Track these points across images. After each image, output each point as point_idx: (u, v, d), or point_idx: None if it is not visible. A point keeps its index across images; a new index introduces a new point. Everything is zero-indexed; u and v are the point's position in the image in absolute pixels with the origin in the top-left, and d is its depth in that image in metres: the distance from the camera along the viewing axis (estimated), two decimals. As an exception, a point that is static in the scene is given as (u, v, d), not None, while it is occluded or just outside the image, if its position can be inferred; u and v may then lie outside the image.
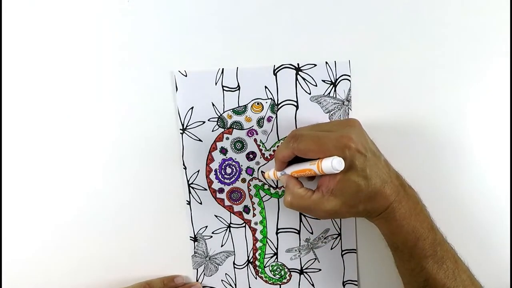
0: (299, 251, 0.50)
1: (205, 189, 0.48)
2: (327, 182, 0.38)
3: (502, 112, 0.48)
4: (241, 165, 0.48)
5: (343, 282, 0.51)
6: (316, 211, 0.39)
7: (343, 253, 0.50)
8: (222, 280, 0.51)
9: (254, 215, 0.49)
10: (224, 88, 0.46)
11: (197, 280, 0.50)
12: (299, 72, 0.46)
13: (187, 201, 0.48)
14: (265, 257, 0.50)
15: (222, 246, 0.50)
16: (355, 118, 0.42)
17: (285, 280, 0.51)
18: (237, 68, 0.46)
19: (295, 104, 0.47)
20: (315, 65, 0.46)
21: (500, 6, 0.46)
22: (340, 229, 0.50)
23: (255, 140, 0.47)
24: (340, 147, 0.36)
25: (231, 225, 0.49)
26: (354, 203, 0.38)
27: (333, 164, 0.35)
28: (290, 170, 0.42)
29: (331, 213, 0.39)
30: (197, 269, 0.50)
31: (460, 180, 0.49)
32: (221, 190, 0.48)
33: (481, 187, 0.49)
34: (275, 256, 0.50)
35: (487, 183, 0.49)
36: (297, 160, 0.41)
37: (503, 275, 0.52)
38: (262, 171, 0.48)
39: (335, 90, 0.46)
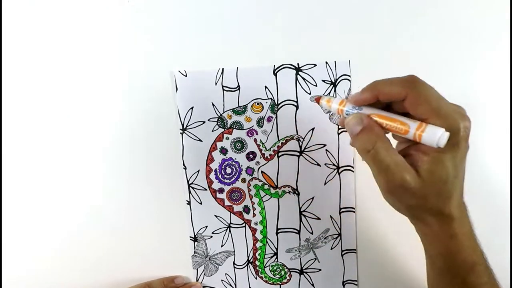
0: (299, 251, 0.50)
1: (205, 189, 0.48)
2: (414, 153, 0.31)
3: (503, 112, 0.48)
4: (241, 165, 0.48)
5: (343, 282, 0.51)
6: (391, 176, 0.31)
7: (343, 253, 0.50)
8: (222, 280, 0.51)
9: (254, 215, 0.49)
10: (224, 88, 0.46)
11: (197, 280, 0.50)
12: (299, 72, 0.46)
13: (187, 201, 0.48)
14: (265, 257, 0.50)
15: (222, 246, 0.50)
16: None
17: (285, 280, 0.51)
18: (237, 68, 0.46)
19: (295, 104, 0.47)
20: (315, 65, 0.46)
21: (501, 6, 0.46)
22: (340, 229, 0.50)
23: (255, 140, 0.47)
24: (460, 122, 0.30)
25: (231, 225, 0.49)
26: (430, 193, 0.31)
27: (441, 139, 0.28)
28: (370, 111, 0.32)
29: (403, 190, 0.31)
30: (197, 269, 0.50)
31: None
32: (221, 190, 0.48)
33: (481, 187, 0.49)
34: (275, 256, 0.50)
35: (487, 182, 0.49)
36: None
37: (503, 275, 0.52)
38: (315, 97, 0.37)
39: (335, 90, 0.46)
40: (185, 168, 0.47)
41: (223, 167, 0.48)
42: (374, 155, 0.31)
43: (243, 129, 0.47)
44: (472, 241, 0.34)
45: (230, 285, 0.51)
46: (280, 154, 0.48)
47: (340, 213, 0.49)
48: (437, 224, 0.33)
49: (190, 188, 0.48)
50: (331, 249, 0.50)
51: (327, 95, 0.37)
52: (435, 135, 0.28)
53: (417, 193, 0.31)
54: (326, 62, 0.46)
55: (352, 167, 0.48)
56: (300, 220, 0.49)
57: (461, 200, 0.34)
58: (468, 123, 0.31)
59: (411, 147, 0.32)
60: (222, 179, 0.48)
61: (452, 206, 0.32)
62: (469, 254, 0.34)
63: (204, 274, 0.50)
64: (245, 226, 0.49)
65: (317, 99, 0.36)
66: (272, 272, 0.51)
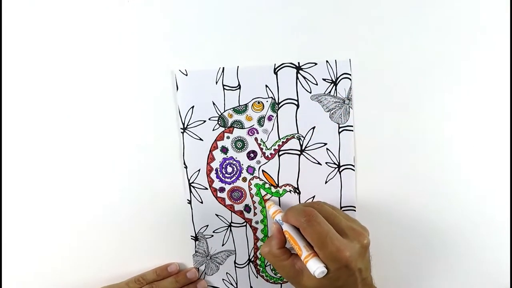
0: (300, 250, 0.50)
1: (206, 188, 0.48)
2: (303, 263, 0.40)
3: (503, 111, 0.48)
4: (242, 164, 0.48)
5: (344, 281, 0.51)
6: (281, 272, 0.42)
7: (344, 252, 0.50)
8: (223, 279, 0.51)
9: (255, 214, 0.49)
10: (225, 87, 0.46)
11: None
12: (300, 71, 0.46)
13: (188, 200, 0.48)
14: (266, 256, 0.50)
15: (223, 245, 0.50)
16: (367, 238, 0.41)
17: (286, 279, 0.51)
18: (238, 67, 0.46)
19: (296, 103, 0.47)
20: (316, 63, 0.46)
21: (501, 6, 0.46)
22: (341, 228, 0.50)
23: (255, 139, 0.47)
24: (336, 257, 0.37)
25: (232, 224, 0.49)
26: None
27: (316, 272, 0.37)
28: (286, 227, 0.42)
29: (292, 282, 0.42)
30: (198, 268, 0.50)
31: (460, 178, 0.49)
32: (222, 189, 0.48)
33: (481, 187, 0.49)
34: (276, 255, 0.50)
35: (487, 182, 0.49)
36: None
37: (503, 275, 0.52)
38: (265, 198, 0.48)
39: (335, 89, 0.46)
40: (185, 167, 0.47)
41: (223, 166, 0.48)
42: (265, 255, 0.42)
43: (244, 128, 0.47)
44: None
45: (231, 284, 0.51)
46: (280, 153, 0.48)
47: (341, 212, 0.49)
48: None
49: (191, 187, 0.48)
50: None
51: (271, 202, 0.48)
52: (313, 267, 0.37)
53: (301, 286, 0.40)
54: (327, 61, 0.46)
55: (353, 166, 0.48)
56: (301, 219, 0.49)
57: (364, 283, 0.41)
58: (347, 255, 0.37)
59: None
60: (223, 178, 0.48)
61: None
62: None
63: (205, 273, 0.50)
64: (246, 225, 0.49)
65: (265, 201, 0.48)
66: (273, 271, 0.51)
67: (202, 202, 0.48)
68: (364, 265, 0.40)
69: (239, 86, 0.46)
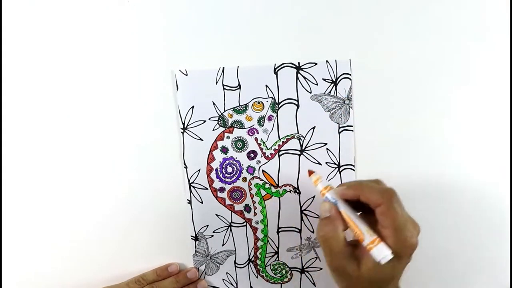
0: (300, 250, 0.50)
1: (206, 188, 0.48)
2: (364, 250, 0.37)
3: (503, 111, 0.48)
4: (242, 164, 0.48)
5: (344, 281, 0.51)
6: (334, 260, 0.38)
7: (344, 252, 0.50)
8: (223, 279, 0.51)
9: (255, 214, 0.49)
10: (225, 87, 0.46)
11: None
12: (300, 71, 0.46)
13: (188, 200, 0.48)
14: (266, 256, 0.50)
15: (223, 245, 0.50)
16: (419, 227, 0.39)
17: (286, 279, 0.51)
18: (238, 67, 0.46)
19: (296, 103, 0.47)
20: (316, 63, 0.46)
21: (501, 6, 0.46)
22: (341, 228, 0.50)
23: (255, 139, 0.47)
24: (409, 244, 0.36)
25: (232, 224, 0.49)
26: (363, 285, 0.37)
27: (383, 259, 0.35)
28: (343, 208, 0.38)
29: (340, 272, 0.38)
30: (198, 268, 0.50)
31: (460, 178, 0.49)
32: (222, 189, 0.48)
33: (482, 187, 0.49)
34: (276, 255, 0.50)
35: (487, 182, 0.49)
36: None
37: (503, 275, 0.52)
38: (309, 170, 0.42)
39: (335, 89, 0.46)
40: (186, 167, 0.47)
41: (224, 166, 0.48)
42: (326, 241, 0.38)
43: (244, 128, 0.47)
44: None
45: (232, 284, 0.51)
46: (281, 153, 0.48)
47: (341, 212, 0.49)
48: None
49: (191, 187, 0.48)
50: (332, 248, 0.50)
51: (318, 176, 0.42)
52: (380, 254, 0.35)
53: (352, 280, 0.37)
54: (327, 61, 0.46)
55: (353, 166, 0.48)
56: (301, 219, 0.49)
57: None
58: (415, 243, 0.36)
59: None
60: (223, 178, 0.48)
61: None
62: None
63: (205, 273, 0.50)
64: (246, 225, 0.49)
65: (310, 172, 0.42)
66: (273, 271, 0.51)
67: (202, 202, 0.48)
68: None
69: (239, 86, 0.46)
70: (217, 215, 0.49)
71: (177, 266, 0.49)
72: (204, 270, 0.50)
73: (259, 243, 0.50)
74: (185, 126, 0.46)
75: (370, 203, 0.37)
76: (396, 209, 0.36)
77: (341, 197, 0.39)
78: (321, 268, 0.51)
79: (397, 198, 0.37)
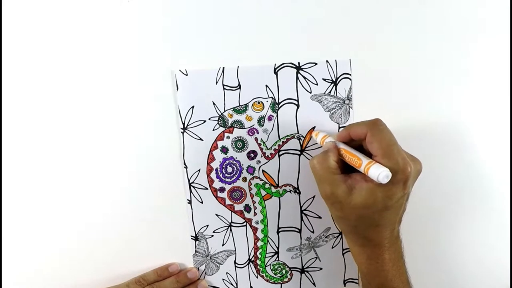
0: (300, 250, 0.50)
1: (206, 188, 0.48)
2: (358, 179, 0.38)
3: (503, 111, 0.48)
4: (242, 164, 0.48)
5: (344, 281, 0.51)
6: (325, 187, 0.39)
7: (344, 252, 0.51)
8: (223, 279, 0.51)
9: (255, 214, 0.49)
10: (225, 87, 0.46)
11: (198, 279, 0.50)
12: (300, 71, 0.46)
13: (188, 200, 0.48)
14: (266, 256, 0.50)
15: (223, 245, 0.50)
16: (421, 164, 0.40)
17: (286, 279, 0.51)
18: (238, 67, 0.46)
19: (296, 103, 0.47)
20: (316, 63, 0.46)
21: (501, 6, 0.46)
22: (341, 228, 0.50)
23: (256, 139, 0.47)
24: (400, 167, 0.36)
25: (232, 224, 0.49)
26: (356, 213, 0.38)
27: (381, 175, 0.35)
28: (342, 145, 0.41)
29: (332, 200, 0.39)
30: (198, 268, 0.50)
31: (460, 178, 0.49)
32: (222, 189, 0.48)
33: (482, 187, 0.49)
34: (276, 255, 0.50)
35: (488, 183, 0.49)
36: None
37: (503, 275, 0.52)
38: (309, 130, 0.47)
39: (335, 89, 0.46)
40: (185, 167, 0.47)
41: (224, 166, 0.48)
42: (315, 167, 0.40)
43: (244, 128, 0.47)
44: (399, 269, 0.41)
45: (232, 284, 0.51)
46: (281, 153, 0.48)
47: (341, 212, 0.49)
48: (366, 247, 0.41)
49: (191, 187, 0.48)
50: (332, 248, 0.50)
51: (318, 130, 0.47)
52: (376, 172, 0.35)
53: (344, 207, 0.38)
54: (327, 61, 0.46)
55: (353, 165, 0.48)
56: (301, 219, 0.49)
57: (394, 233, 0.40)
58: (408, 169, 0.36)
59: (358, 173, 0.39)
60: (223, 178, 0.48)
61: (380, 235, 0.39)
62: (391, 280, 0.41)
63: (205, 273, 0.50)
64: (246, 225, 0.49)
65: (311, 131, 0.47)
66: (273, 271, 0.51)
67: (202, 202, 0.48)
68: (410, 192, 0.40)
69: (239, 86, 0.46)
70: (217, 215, 0.49)
71: (177, 266, 0.49)
72: (204, 270, 0.50)
73: (259, 243, 0.50)
74: (185, 126, 0.46)
75: (359, 136, 0.40)
76: (381, 134, 0.38)
77: (337, 139, 0.42)
78: (321, 268, 0.51)
79: (381, 124, 0.39)
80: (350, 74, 0.46)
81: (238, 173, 0.48)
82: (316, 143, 0.47)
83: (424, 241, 0.50)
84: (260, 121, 0.47)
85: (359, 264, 0.43)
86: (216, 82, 0.46)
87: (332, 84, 0.46)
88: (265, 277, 0.51)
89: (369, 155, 0.39)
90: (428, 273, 0.48)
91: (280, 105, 0.47)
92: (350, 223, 0.40)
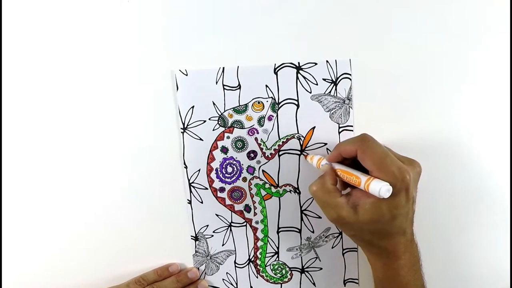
0: (300, 250, 0.50)
1: (206, 188, 0.48)
2: (360, 195, 0.38)
3: (503, 111, 0.48)
4: (242, 164, 0.48)
5: (344, 281, 0.51)
6: (329, 211, 0.39)
7: (344, 251, 0.51)
8: (223, 279, 0.51)
9: (255, 214, 0.49)
10: (225, 87, 0.46)
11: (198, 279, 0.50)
12: (300, 71, 0.46)
13: (188, 200, 0.48)
14: (266, 256, 0.50)
15: (223, 245, 0.50)
16: (420, 166, 0.41)
17: (286, 279, 0.51)
18: (238, 67, 0.46)
19: (296, 103, 0.47)
20: (316, 63, 0.46)
21: (502, 6, 0.46)
22: (341, 227, 0.50)
23: (255, 139, 0.47)
24: (398, 177, 0.36)
25: (232, 224, 0.49)
26: (366, 228, 0.39)
27: (382, 190, 0.35)
28: (337, 166, 0.41)
29: (341, 222, 0.39)
30: (198, 268, 0.50)
31: (460, 178, 0.49)
32: (222, 189, 0.48)
33: (482, 187, 0.49)
34: (276, 255, 0.50)
35: (488, 183, 0.49)
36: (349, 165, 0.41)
37: (503, 275, 0.52)
38: (304, 153, 0.47)
39: (335, 89, 0.46)
40: (186, 167, 0.47)
41: (224, 166, 0.48)
42: (315, 193, 0.40)
43: (244, 128, 0.47)
44: (414, 273, 0.41)
45: (232, 284, 0.51)
46: (281, 153, 0.48)
47: (341, 211, 0.49)
48: (382, 255, 0.41)
49: (191, 187, 0.48)
50: (332, 248, 0.50)
51: (312, 154, 0.47)
52: (377, 187, 0.35)
53: (354, 226, 0.39)
54: (327, 61, 0.46)
55: (353, 165, 0.48)
56: (301, 219, 0.49)
57: (407, 238, 0.41)
58: (407, 178, 0.37)
59: (359, 190, 0.39)
60: (223, 178, 0.48)
61: (393, 243, 0.40)
62: (407, 285, 0.41)
63: (205, 273, 0.50)
64: (246, 225, 0.49)
65: (305, 156, 0.47)
66: (273, 271, 0.51)
67: (202, 202, 0.48)
68: (415, 195, 0.40)
69: (239, 86, 0.46)
70: (217, 215, 0.49)
71: (177, 266, 0.49)
72: (204, 270, 0.50)
73: (259, 243, 0.50)
74: (185, 126, 0.46)
75: (349, 154, 0.40)
76: (370, 149, 0.38)
77: (331, 161, 0.42)
78: (321, 268, 0.51)
79: (370, 139, 0.39)
80: (350, 74, 0.46)
81: (238, 173, 0.48)
82: (316, 143, 0.47)
83: (424, 241, 0.50)
84: (260, 121, 0.47)
85: (374, 271, 0.43)
86: (216, 82, 0.46)
87: (332, 84, 0.46)
88: (265, 277, 0.51)
89: (365, 170, 0.39)
90: (428, 273, 0.48)
91: (280, 105, 0.47)
92: (364, 238, 0.41)
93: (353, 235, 0.41)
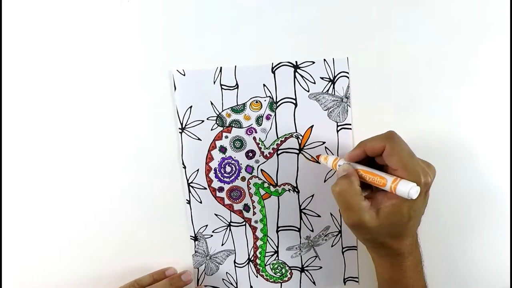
0: (300, 249, 0.50)
1: (205, 188, 0.48)
2: (380, 198, 0.38)
3: (503, 111, 0.48)
4: (241, 164, 0.48)
5: (344, 279, 0.51)
6: (351, 215, 0.38)
7: (343, 250, 0.50)
8: (223, 279, 0.51)
9: (254, 213, 0.49)
10: (223, 86, 0.46)
11: (197, 279, 0.50)
12: (297, 70, 0.46)
13: (187, 200, 0.48)
14: (266, 255, 0.50)
15: (222, 245, 0.50)
16: (434, 168, 0.40)
17: (286, 278, 0.51)
18: (235, 66, 0.46)
19: (294, 101, 0.47)
20: (313, 62, 0.46)
21: (502, 6, 0.46)
22: (340, 226, 0.50)
23: (254, 138, 0.47)
24: (422, 178, 0.36)
25: (231, 223, 0.49)
26: (382, 232, 0.38)
27: (411, 191, 0.34)
28: (358, 166, 0.40)
29: (360, 226, 0.38)
30: (197, 268, 0.50)
31: (460, 177, 0.49)
32: (220, 189, 0.48)
33: (482, 187, 0.49)
34: (276, 254, 0.50)
35: (488, 182, 0.49)
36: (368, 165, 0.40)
37: (503, 275, 0.52)
38: (316, 156, 0.47)
39: (333, 87, 0.46)
40: (184, 167, 0.47)
41: (222, 166, 0.48)
42: (341, 194, 0.38)
43: (242, 128, 0.47)
44: (418, 274, 0.42)
45: (231, 284, 0.51)
46: (279, 152, 0.48)
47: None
48: (389, 256, 0.41)
49: (190, 187, 0.48)
50: (332, 246, 0.50)
51: (325, 155, 0.46)
52: (406, 187, 0.35)
53: (372, 230, 0.38)
54: (324, 60, 0.46)
55: (352, 164, 0.48)
56: (300, 218, 0.49)
57: (414, 239, 0.41)
58: (429, 180, 0.37)
59: (379, 192, 0.38)
60: (222, 178, 0.48)
61: (403, 244, 0.40)
62: (412, 286, 0.42)
63: (205, 273, 0.50)
64: (245, 225, 0.49)
65: (317, 157, 0.46)
66: (273, 270, 0.51)
67: (201, 202, 0.48)
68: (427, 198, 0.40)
69: (237, 86, 0.46)
70: (216, 214, 0.49)
71: (174, 270, 0.49)
72: (204, 270, 0.50)
73: (259, 243, 0.50)
74: (183, 126, 0.46)
75: (376, 152, 0.38)
76: (400, 146, 0.37)
77: (351, 160, 0.40)
78: (321, 267, 0.51)
79: (398, 136, 0.38)
80: (347, 73, 0.46)
81: (236, 172, 0.48)
82: (315, 142, 0.47)
83: (423, 241, 0.50)
84: (258, 120, 0.47)
85: (380, 272, 0.44)
86: (214, 82, 0.46)
87: (330, 83, 0.46)
88: (265, 277, 0.51)
89: (382, 169, 0.39)
90: (428, 273, 0.48)
91: (278, 104, 0.47)
92: (377, 241, 0.40)
93: (368, 239, 0.40)
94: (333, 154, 0.46)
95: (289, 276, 0.51)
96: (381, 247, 0.41)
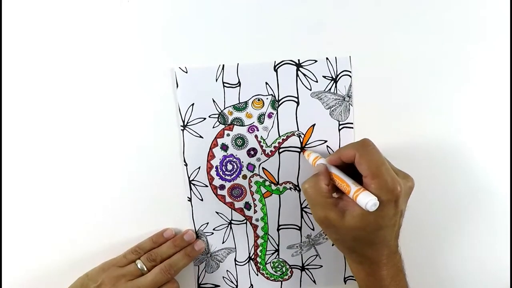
0: (301, 248, 0.50)
1: (206, 186, 0.48)
2: (350, 201, 0.39)
3: (503, 111, 0.48)
4: (242, 162, 0.48)
5: (344, 278, 0.51)
6: (318, 211, 0.40)
7: (344, 249, 0.50)
8: (223, 277, 0.51)
9: (255, 211, 0.49)
10: (225, 84, 0.46)
11: (198, 278, 0.50)
12: (300, 68, 0.46)
13: (188, 197, 0.48)
14: (266, 253, 0.50)
15: (223, 242, 0.50)
16: (413, 181, 0.40)
17: (286, 277, 0.51)
18: (238, 64, 0.46)
19: (296, 100, 0.47)
20: (316, 61, 0.46)
21: (502, 6, 0.46)
22: (341, 225, 0.50)
23: (255, 136, 0.47)
24: (390, 187, 0.37)
25: (232, 221, 0.49)
26: (350, 235, 0.39)
27: (368, 204, 0.35)
28: (333, 169, 0.41)
29: (326, 224, 0.40)
30: (198, 266, 0.50)
31: (460, 177, 0.49)
32: (222, 187, 0.48)
33: (482, 187, 0.49)
34: (277, 253, 0.50)
35: (488, 183, 0.49)
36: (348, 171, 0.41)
37: (503, 275, 0.52)
38: (304, 148, 0.47)
39: (335, 86, 0.46)
40: (186, 165, 0.47)
41: (224, 164, 0.48)
42: (307, 191, 0.41)
43: (244, 126, 0.47)
44: (397, 283, 0.41)
45: (232, 281, 0.51)
46: (281, 150, 0.48)
47: (341, 209, 0.49)
48: (364, 264, 0.41)
49: (191, 184, 0.48)
50: (333, 245, 0.50)
51: (310, 151, 0.47)
52: (364, 200, 0.36)
53: (338, 230, 0.39)
54: (327, 58, 0.46)
55: (353, 163, 0.48)
56: (302, 217, 0.49)
57: (391, 250, 0.41)
58: (398, 189, 0.37)
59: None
60: (223, 176, 0.48)
61: (378, 253, 0.40)
62: None
63: (205, 271, 0.50)
64: (246, 223, 0.49)
65: (303, 151, 0.47)
66: (274, 269, 0.51)
67: (202, 200, 0.48)
68: (404, 209, 0.40)
69: (239, 84, 0.46)
70: (217, 212, 0.49)
71: (172, 231, 0.48)
72: (204, 267, 0.50)
73: (259, 241, 0.50)
74: (185, 123, 0.46)
75: (349, 159, 0.40)
76: (369, 154, 0.38)
77: (330, 163, 0.42)
78: (321, 266, 0.51)
79: (370, 145, 0.39)
80: (350, 71, 0.46)
81: (238, 170, 0.48)
82: (316, 140, 0.47)
83: (424, 241, 0.50)
84: (260, 119, 0.47)
85: (358, 281, 0.44)
86: (216, 80, 0.46)
87: (332, 81, 0.46)
88: (265, 275, 0.51)
89: (360, 178, 0.39)
90: (428, 273, 0.48)
91: (280, 103, 0.47)
92: (346, 244, 0.41)
93: (337, 239, 0.41)
94: (316, 153, 0.46)
95: (289, 274, 0.51)
96: (353, 253, 0.42)
